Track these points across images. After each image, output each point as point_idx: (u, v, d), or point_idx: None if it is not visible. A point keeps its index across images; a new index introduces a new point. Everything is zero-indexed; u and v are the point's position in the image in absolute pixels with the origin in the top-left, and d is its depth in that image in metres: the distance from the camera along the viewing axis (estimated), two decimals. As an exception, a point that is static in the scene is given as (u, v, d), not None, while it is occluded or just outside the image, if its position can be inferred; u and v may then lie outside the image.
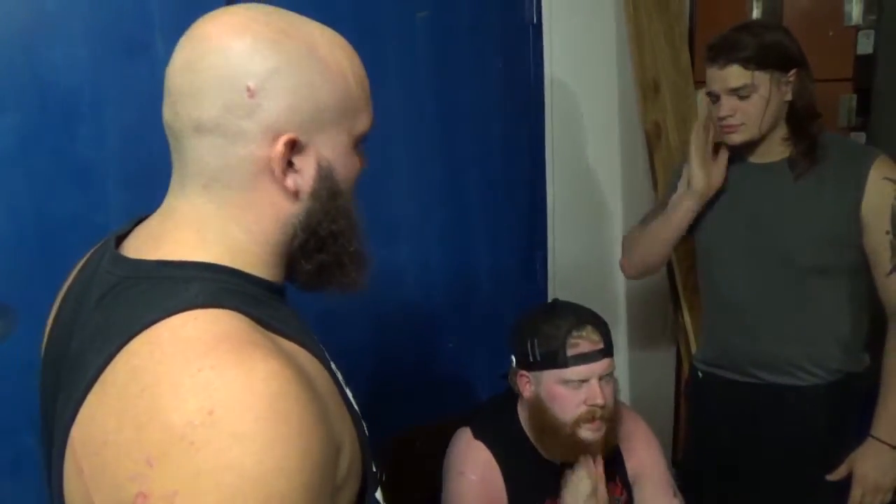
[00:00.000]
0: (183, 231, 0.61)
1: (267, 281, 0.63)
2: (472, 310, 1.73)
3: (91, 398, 0.54)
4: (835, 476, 1.45)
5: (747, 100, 1.36)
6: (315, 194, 0.63)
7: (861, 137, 1.95)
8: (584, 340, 1.19)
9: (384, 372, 1.54)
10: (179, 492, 0.48)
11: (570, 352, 1.19)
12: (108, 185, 1.10)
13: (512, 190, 1.78)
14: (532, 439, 1.29)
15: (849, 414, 1.51)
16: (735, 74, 1.35)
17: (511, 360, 1.27)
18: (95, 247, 0.70)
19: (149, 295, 0.57)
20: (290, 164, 0.61)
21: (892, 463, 1.40)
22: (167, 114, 0.62)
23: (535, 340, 1.22)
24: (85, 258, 0.71)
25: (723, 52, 1.36)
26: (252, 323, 0.56)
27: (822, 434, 1.47)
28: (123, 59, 1.13)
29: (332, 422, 0.57)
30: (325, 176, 0.63)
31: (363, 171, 0.68)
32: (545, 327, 1.22)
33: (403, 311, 1.57)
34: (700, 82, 2.09)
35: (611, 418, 1.24)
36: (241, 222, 0.61)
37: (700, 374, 1.63)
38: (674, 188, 1.61)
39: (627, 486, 1.37)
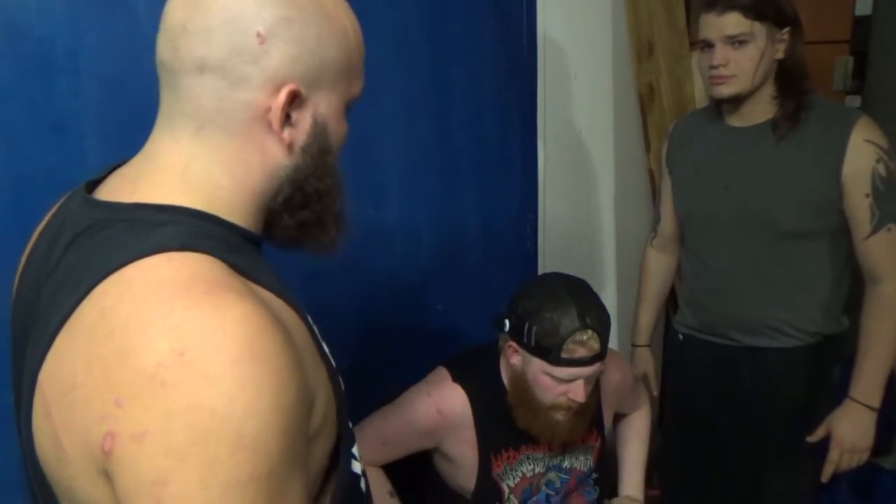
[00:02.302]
0: (164, 173, 0.60)
1: (246, 230, 0.62)
2: (462, 273, 1.71)
3: (60, 340, 0.53)
4: (813, 437, 1.47)
5: (742, 50, 1.34)
6: (307, 149, 0.62)
7: (856, 101, 1.94)
8: (583, 347, 1.17)
9: (371, 333, 1.53)
10: (149, 431, 0.47)
11: (566, 354, 1.16)
12: (85, 139, 1.06)
13: (503, 152, 1.75)
14: (509, 397, 1.29)
15: (827, 375, 1.53)
16: (733, 21, 1.33)
17: (505, 323, 1.25)
18: (67, 194, 0.68)
19: (122, 237, 0.56)
20: (287, 117, 0.60)
21: (869, 424, 1.42)
22: (164, 50, 0.60)
23: (534, 328, 1.18)
24: (55, 206, 0.69)
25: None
26: (227, 268, 0.55)
27: (800, 395, 1.49)
28: (101, 7, 1.08)
29: (307, 371, 0.56)
30: (318, 132, 0.63)
31: (347, 136, 0.67)
32: (547, 319, 1.18)
33: (392, 272, 1.55)
34: (695, 44, 2.06)
35: (586, 410, 1.24)
36: (228, 168, 0.60)
37: (681, 337, 1.64)
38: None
39: (601, 431, 1.38)
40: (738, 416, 1.56)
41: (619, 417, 1.57)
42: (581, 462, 1.36)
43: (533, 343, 1.18)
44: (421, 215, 1.59)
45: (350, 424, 0.66)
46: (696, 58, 2.04)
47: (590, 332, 1.16)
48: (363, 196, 1.47)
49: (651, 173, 1.98)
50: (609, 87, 1.95)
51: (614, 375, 1.40)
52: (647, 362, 1.70)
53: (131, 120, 1.11)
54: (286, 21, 0.59)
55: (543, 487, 1.34)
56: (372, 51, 1.56)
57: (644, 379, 1.68)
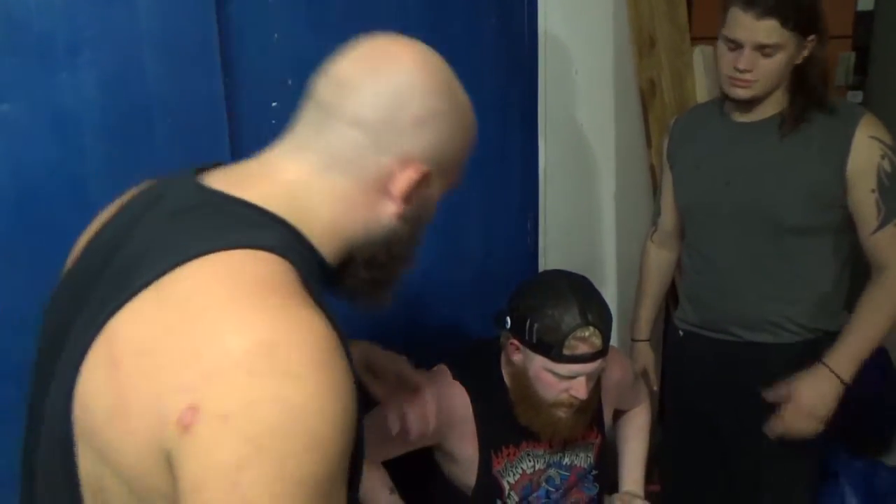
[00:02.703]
0: (277, 187, 0.65)
1: (325, 261, 0.67)
2: (462, 270, 1.71)
3: (144, 299, 0.56)
4: (773, 396, 1.45)
5: (771, 58, 1.31)
6: (409, 220, 0.69)
7: (858, 97, 1.93)
8: (584, 343, 1.17)
9: (371, 331, 1.52)
10: (233, 414, 0.50)
11: (568, 351, 1.16)
12: (85, 133, 1.06)
13: (504, 148, 1.74)
14: (510, 394, 1.29)
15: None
16: (769, 29, 1.29)
17: (506, 320, 1.25)
18: (156, 179, 0.74)
19: (232, 223, 0.61)
20: (409, 190, 0.67)
21: (832, 393, 1.41)
22: (326, 93, 0.67)
23: (536, 325, 1.18)
24: (142, 187, 0.74)
25: (763, 1, 1.28)
26: (304, 282, 0.60)
27: None
28: (101, 2, 1.08)
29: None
30: (423, 209, 0.71)
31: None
32: (549, 315, 1.18)
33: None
34: (697, 38, 2.05)
35: (587, 407, 1.24)
36: (334, 208, 0.66)
37: (681, 333, 1.64)
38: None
39: (602, 428, 1.38)
40: (739, 412, 1.55)
41: (619, 414, 1.57)
42: (581, 459, 1.36)
43: (535, 340, 1.18)
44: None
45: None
46: (698, 52, 2.04)
47: (592, 328, 1.16)
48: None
49: (652, 169, 1.97)
50: (610, 83, 1.94)
51: (615, 372, 1.40)
52: (646, 357, 1.70)
53: (132, 113, 1.11)
54: (440, 113, 0.67)
55: (544, 484, 1.34)
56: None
57: (644, 374, 1.68)
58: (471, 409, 1.27)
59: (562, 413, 1.22)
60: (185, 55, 1.14)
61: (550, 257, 1.92)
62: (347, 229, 0.67)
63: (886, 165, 1.33)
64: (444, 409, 1.27)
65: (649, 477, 1.81)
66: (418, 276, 1.60)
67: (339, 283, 0.72)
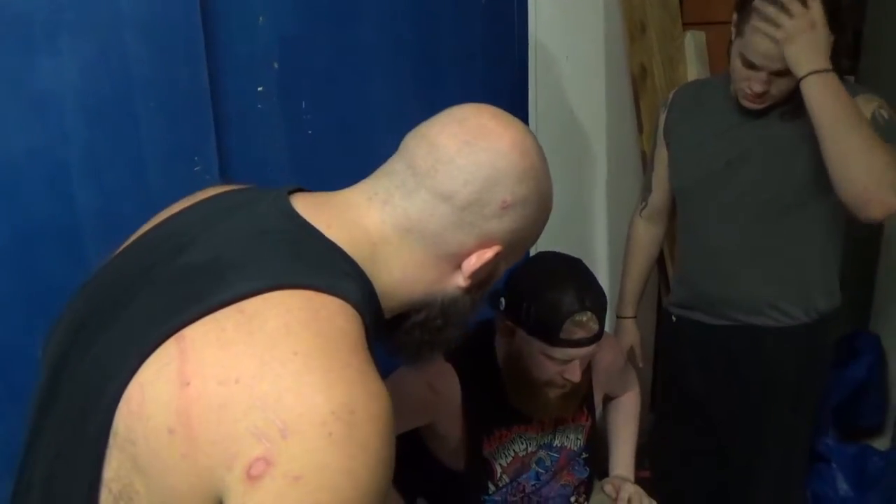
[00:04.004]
0: (360, 235, 0.66)
1: (382, 315, 0.68)
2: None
3: (230, 317, 0.55)
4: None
5: (785, 77, 1.30)
6: (471, 290, 0.70)
7: (850, 81, 1.92)
8: (582, 329, 1.16)
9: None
10: (304, 477, 0.50)
11: (565, 336, 1.16)
12: (66, 117, 1.04)
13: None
14: (503, 375, 1.28)
15: (823, 355, 1.53)
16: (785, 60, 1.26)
17: (501, 302, 1.25)
18: (239, 186, 0.76)
19: (324, 264, 0.61)
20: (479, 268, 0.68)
21: None
22: (422, 159, 0.67)
23: (532, 308, 1.18)
24: (218, 190, 0.75)
25: None
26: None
27: (795, 375, 1.50)
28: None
29: None
30: (488, 282, 0.72)
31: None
32: (545, 299, 1.17)
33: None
34: (688, 24, 2.04)
35: (578, 389, 1.24)
36: (406, 271, 0.67)
37: (673, 318, 1.63)
38: (662, 141, 1.59)
39: (592, 411, 1.37)
40: (732, 396, 1.56)
41: (609, 399, 1.57)
42: (571, 441, 1.36)
43: (531, 323, 1.18)
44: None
45: None
46: (690, 37, 2.02)
47: (589, 313, 1.15)
48: (347, 177, 1.45)
49: (643, 155, 1.97)
50: (601, 68, 1.93)
51: (605, 356, 1.39)
52: (632, 334, 1.70)
53: (114, 98, 1.09)
54: (527, 201, 0.68)
55: (534, 466, 1.34)
56: (359, 34, 1.54)
57: (630, 352, 1.68)
58: (460, 390, 1.27)
59: (553, 394, 1.22)
60: (168, 39, 1.12)
61: (541, 242, 1.89)
62: (412, 291, 0.69)
63: (884, 113, 1.32)
64: (436, 389, 1.26)
65: (640, 462, 1.81)
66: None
67: (389, 336, 0.73)
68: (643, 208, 1.69)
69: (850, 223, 1.42)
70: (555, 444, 1.35)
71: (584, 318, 1.15)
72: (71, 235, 1.06)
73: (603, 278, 2.10)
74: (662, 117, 1.61)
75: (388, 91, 1.50)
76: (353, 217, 0.67)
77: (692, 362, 1.60)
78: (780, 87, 1.33)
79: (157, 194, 1.10)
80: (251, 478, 0.49)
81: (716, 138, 1.48)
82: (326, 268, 0.61)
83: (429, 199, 0.66)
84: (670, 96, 1.61)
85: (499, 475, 1.30)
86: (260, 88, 1.29)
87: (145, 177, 1.14)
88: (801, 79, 1.24)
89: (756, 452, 1.55)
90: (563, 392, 1.22)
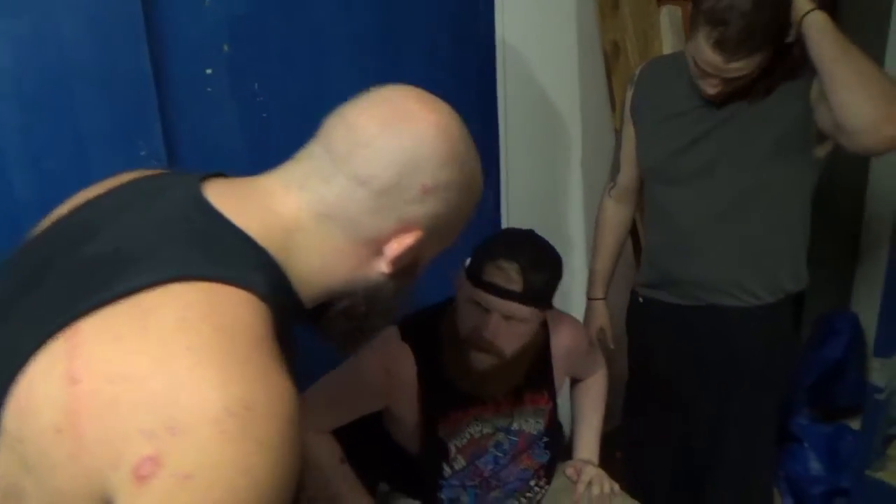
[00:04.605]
0: (275, 222, 0.64)
1: (302, 306, 0.66)
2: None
3: (124, 311, 0.53)
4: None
5: (745, 75, 1.28)
6: (395, 277, 0.68)
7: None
8: (501, 273, 1.16)
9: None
10: (194, 476, 0.48)
11: (485, 276, 1.17)
12: (0, 105, 1.03)
13: (460, 113, 1.69)
14: (445, 344, 1.28)
15: (790, 335, 1.52)
16: (740, 66, 1.25)
17: (467, 260, 1.26)
18: (155, 171, 0.73)
19: (228, 254, 0.59)
20: (401, 253, 0.67)
21: None
22: (340, 142, 0.65)
23: (478, 252, 1.22)
24: (137, 175, 0.72)
25: (734, 46, 1.21)
26: (276, 335, 0.58)
27: (761, 356, 1.49)
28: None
29: None
30: (413, 269, 0.70)
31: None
32: (490, 246, 1.21)
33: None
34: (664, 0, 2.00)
35: (504, 364, 1.21)
36: (325, 258, 0.65)
37: (641, 300, 1.62)
38: (629, 118, 1.56)
39: (553, 395, 1.37)
40: (697, 377, 1.55)
41: (575, 382, 1.56)
42: (531, 425, 1.35)
43: (470, 265, 1.21)
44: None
45: None
46: (665, 13, 1.98)
47: (515, 265, 1.16)
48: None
49: (617, 133, 1.93)
50: (574, 45, 1.89)
51: (566, 338, 1.38)
52: (602, 316, 1.68)
53: (50, 83, 1.08)
54: (450, 186, 0.66)
55: (492, 449, 1.33)
56: (313, 12, 1.50)
57: (600, 333, 1.66)
58: (416, 371, 1.26)
59: (475, 360, 1.20)
60: (106, 20, 1.10)
61: (515, 225, 1.89)
62: (332, 279, 0.67)
63: None
64: (391, 370, 1.26)
65: (616, 445, 1.81)
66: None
67: (315, 325, 0.71)
68: (612, 188, 1.66)
69: (828, 201, 1.40)
70: (513, 428, 1.34)
71: (506, 266, 1.16)
72: (9, 224, 1.05)
73: (578, 260, 2.08)
74: (629, 94, 1.58)
75: (346, 71, 1.47)
76: (267, 204, 0.65)
77: (658, 343, 1.59)
78: (735, 85, 1.31)
79: (100, 180, 1.09)
80: (139, 478, 0.48)
81: (681, 116, 1.46)
82: (231, 258, 0.59)
83: (346, 183, 0.64)
84: (637, 72, 1.58)
85: (453, 455, 1.30)
86: (209, 71, 1.27)
87: (86, 163, 1.12)
88: (802, 17, 1.22)
89: (721, 433, 1.54)
90: (494, 364, 1.20)
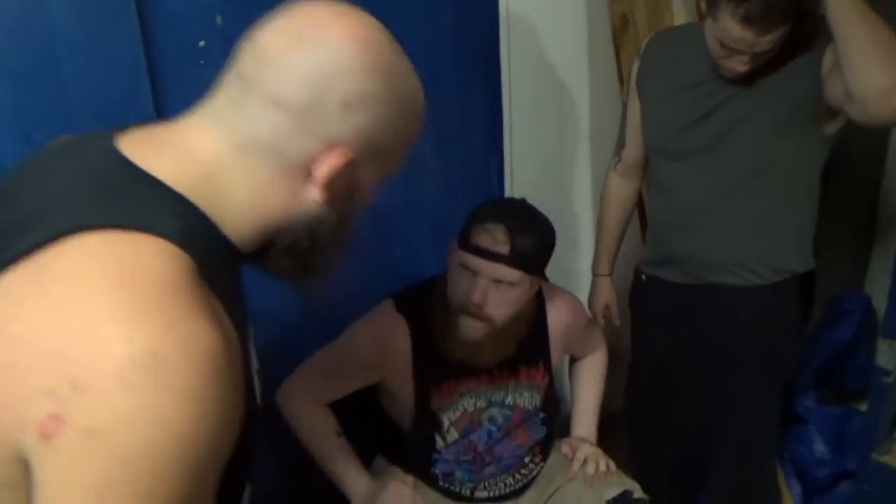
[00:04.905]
0: (192, 163, 0.60)
1: (235, 248, 0.63)
2: (419, 217, 1.67)
3: (26, 271, 0.51)
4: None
5: (766, 53, 1.25)
6: (335, 206, 0.64)
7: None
8: (488, 235, 1.16)
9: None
10: (101, 430, 0.46)
11: (473, 239, 1.17)
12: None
13: (461, 91, 1.68)
14: (436, 312, 1.27)
15: (794, 316, 1.49)
16: (769, 40, 1.21)
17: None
18: (74, 136, 0.69)
19: (135, 200, 0.56)
20: (332, 175, 0.63)
21: None
22: (248, 64, 0.61)
23: (468, 217, 1.22)
24: (60, 141, 0.68)
25: (762, 19, 1.18)
26: (204, 282, 0.56)
27: (762, 336, 1.46)
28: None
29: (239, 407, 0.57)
30: (351, 196, 0.66)
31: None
32: (479, 210, 1.22)
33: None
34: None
35: (494, 330, 1.21)
36: (253, 193, 0.62)
37: (643, 278, 1.60)
38: (635, 91, 1.53)
39: (549, 370, 1.36)
40: (698, 357, 1.53)
41: (574, 361, 1.55)
42: (526, 399, 1.35)
43: (461, 229, 1.21)
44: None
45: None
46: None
47: (502, 227, 1.15)
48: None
49: (625, 107, 1.89)
50: (582, 18, 1.84)
51: (563, 315, 1.37)
52: (607, 293, 1.66)
53: (37, 58, 1.08)
54: (372, 98, 0.61)
55: (486, 423, 1.33)
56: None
57: (605, 310, 1.65)
58: (410, 343, 1.26)
59: (464, 327, 1.19)
60: (95, -7, 1.09)
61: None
62: (265, 215, 0.63)
63: None
64: (385, 341, 1.27)
65: (618, 426, 1.80)
66: (371, 222, 1.59)
67: (262, 264, 0.68)
68: (617, 162, 1.63)
69: (843, 180, 1.37)
70: (507, 402, 1.34)
71: (493, 229, 1.16)
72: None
73: (585, 235, 2.06)
74: (635, 67, 1.54)
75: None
76: (183, 146, 0.61)
77: (660, 322, 1.57)
78: (763, 59, 1.27)
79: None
80: (45, 437, 0.46)
81: (689, 90, 1.42)
82: (140, 206, 0.56)
83: (261, 108, 0.60)
84: (643, 45, 1.54)
85: (446, 428, 1.30)
86: (202, 43, 1.26)
87: (78, 137, 1.12)
88: None
89: (722, 414, 1.52)
90: (484, 332, 1.19)
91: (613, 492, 1.33)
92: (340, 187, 0.63)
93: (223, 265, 0.60)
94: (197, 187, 0.59)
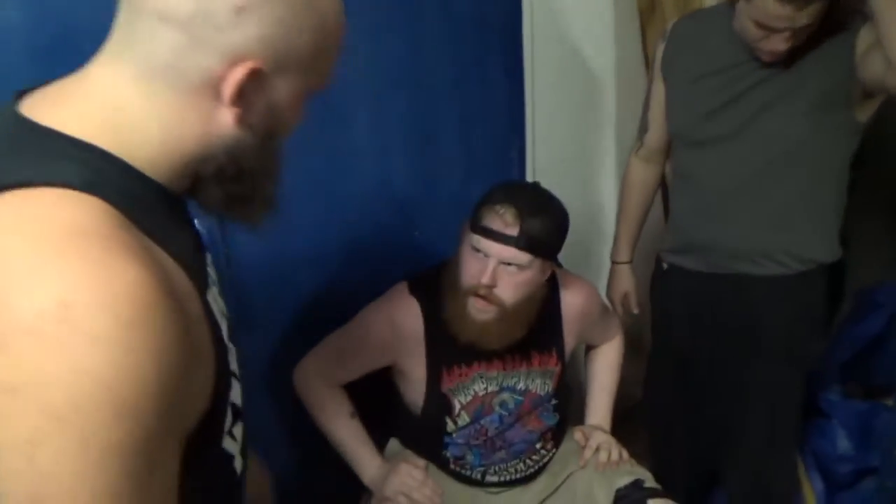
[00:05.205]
0: (93, 106, 0.57)
1: (161, 186, 0.60)
2: (439, 198, 1.66)
3: None
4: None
5: (805, 30, 1.21)
6: (254, 127, 0.61)
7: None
8: (498, 218, 1.16)
9: (340, 261, 1.51)
10: (23, 386, 0.45)
11: (483, 221, 1.17)
12: (13, 57, 1.04)
13: (484, 70, 1.65)
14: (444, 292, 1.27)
15: (818, 308, 1.45)
16: (809, 13, 1.18)
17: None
18: None
19: (30, 156, 0.54)
20: (241, 92, 0.58)
21: None
22: None
23: (480, 200, 1.22)
24: None
25: None
26: (125, 222, 0.53)
27: (784, 328, 1.43)
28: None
29: (194, 345, 0.55)
30: (270, 114, 0.62)
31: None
32: (491, 192, 1.21)
33: (361, 195, 1.50)
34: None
35: (504, 313, 1.20)
36: (162, 123, 0.58)
37: (664, 266, 1.57)
38: (659, 76, 1.50)
39: (562, 357, 1.35)
40: (719, 348, 1.51)
41: (590, 349, 1.54)
42: (538, 385, 1.34)
43: (472, 212, 1.21)
44: (391, 140, 1.53)
45: (230, 402, 0.64)
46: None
47: (512, 209, 1.15)
48: (325, 120, 1.42)
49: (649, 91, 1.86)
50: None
51: (577, 300, 1.36)
52: (626, 281, 1.64)
53: (61, 35, 1.08)
54: (268, 0, 0.56)
55: (497, 408, 1.33)
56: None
57: (625, 299, 1.63)
58: (422, 325, 1.27)
59: (473, 309, 1.19)
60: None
61: (545, 185, 1.85)
62: (181, 146, 0.59)
63: None
64: (397, 323, 1.27)
65: (636, 412, 1.78)
66: (390, 203, 1.59)
67: (199, 203, 0.66)
68: (639, 148, 1.61)
69: (876, 167, 1.33)
70: (519, 387, 1.33)
71: (503, 211, 1.15)
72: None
73: (610, 222, 2.02)
74: (660, 50, 1.51)
75: (367, 21, 1.43)
76: (83, 91, 0.58)
77: (680, 312, 1.55)
78: (803, 35, 1.24)
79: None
80: None
81: (715, 75, 1.39)
82: (35, 161, 0.53)
83: (148, 28, 0.56)
84: (669, 28, 1.50)
85: (457, 411, 1.30)
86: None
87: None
88: None
89: (742, 406, 1.50)
90: (493, 315, 1.18)
91: (625, 480, 1.32)
92: (255, 105, 0.60)
93: (149, 204, 0.58)
94: (103, 130, 0.57)
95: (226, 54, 0.57)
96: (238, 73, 0.57)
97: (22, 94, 0.61)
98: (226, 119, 0.59)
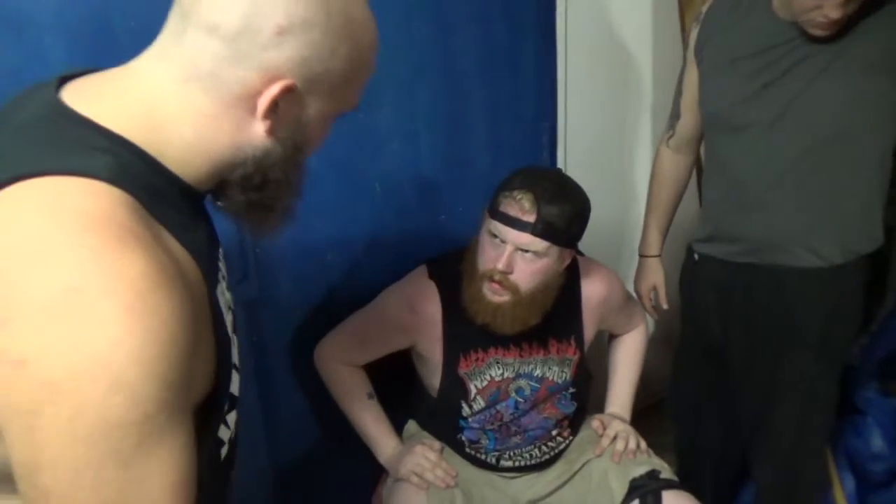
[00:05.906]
0: (133, 101, 0.61)
1: (186, 184, 0.64)
2: (466, 182, 1.66)
3: None
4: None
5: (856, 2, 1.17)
6: (283, 141, 0.65)
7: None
8: (515, 204, 1.15)
9: (366, 243, 1.52)
10: (28, 360, 0.49)
11: (501, 207, 1.17)
12: (44, 38, 1.08)
13: (514, 51, 1.63)
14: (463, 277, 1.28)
15: (857, 300, 1.40)
16: None
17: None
18: (29, 87, 0.69)
19: (65, 145, 0.57)
20: (274, 105, 0.63)
21: None
22: None
23: (500, 185, 1.22)
24: (23, 92, 0.70)
25: None
26: (145, 214, 0.57)
27: (820, 319, 1.38)
28: None
29: (199, 332, 0.58)
30: (298, 130, 0.66)
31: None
32: (510, 178, 1.21)
33: (388, 178, 1.51)
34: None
35: (519, 298, 1.19)
36: (196, 126, 0.62)
37: (696, 257, 1.54)
38: (692, 60, 1.45)
39: (581, 346, 1.34)
40: (751, 341, 1.47)
41: (612, 338, 1.52)
42: (555, 373, 1.34)
43: (491, 198, 1.22)
44: (419, 120, 1.53)
45: (230, 389, 0.67)
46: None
47: (530, 195, 1.15)
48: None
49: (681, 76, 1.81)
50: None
51: (598, 288, 1.35)
52: (655, 274, 1.61)
53: (91, 16, 1.12)
54: (310, 25, 0.61)
55: (513, 394, 1.33)
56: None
57: (653, 292, 1.60)
58: (440, 309, 1.28)
59: (488, 291, 1.19)
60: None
61: (571, 173, 1.82)
62: (213, 149, 0.63)
63: None
64: (416, 306, 1.29)
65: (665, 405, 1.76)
66: (417, 186, 1.60)
67: (221, 205, 0.70)
68: (670, 136, 1.57)
69: None
70: (535, 374, 1.33)
71: (520, 197, 1.15)
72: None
73: (643, 212, 1.99)
74: (694, 34, 1.46)
75: (387, 10, 1.44)
76: (125, 86, 0.62)
77: (712, 304, 1.51)
78: (854, 7, 1.18)
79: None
80: None
81: (750, 59, 1.34)
82: (69, 150, 0.57)
83: (196, 37, 0.60)
84: (703, 9, 1.46)
85: (473, 396, 1.31)
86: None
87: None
88: None
89: (773, 400, 1.46)
90: (508, 298, 1.18)
91: (641, 470, 1.31)
92: (286, 120, 0.64)
93: (170, 199, 0.61)
94: (138, 126, 0.60)
95: (265, 70, 0.61)
96: (274, 89, 0.61)
97: (65, 79, 0.65)
98: (258, 130, 0.63)
